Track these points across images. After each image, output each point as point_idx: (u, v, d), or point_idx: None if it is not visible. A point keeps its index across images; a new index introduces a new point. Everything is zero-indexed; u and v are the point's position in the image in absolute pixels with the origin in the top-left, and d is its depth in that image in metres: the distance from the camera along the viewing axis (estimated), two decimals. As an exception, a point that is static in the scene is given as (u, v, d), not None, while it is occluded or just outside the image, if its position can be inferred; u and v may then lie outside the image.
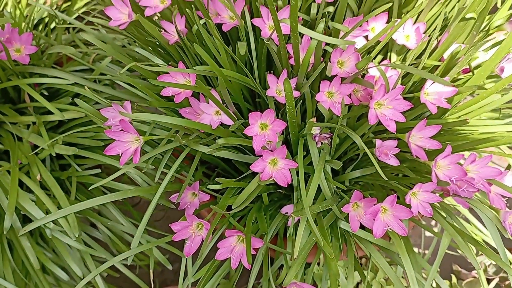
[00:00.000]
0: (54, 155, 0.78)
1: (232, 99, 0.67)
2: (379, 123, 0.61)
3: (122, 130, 0.63)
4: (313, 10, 0.67)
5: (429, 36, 0.68)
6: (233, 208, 0.63)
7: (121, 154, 0.63)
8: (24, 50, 0.80)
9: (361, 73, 0.63)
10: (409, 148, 0.61)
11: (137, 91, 0.77)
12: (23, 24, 0.94)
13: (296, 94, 0.61)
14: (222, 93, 0.61)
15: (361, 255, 0.86)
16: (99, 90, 0.84)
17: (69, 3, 1.04)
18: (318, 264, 0.99)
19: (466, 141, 0.63)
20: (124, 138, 0.63)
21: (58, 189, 0.77)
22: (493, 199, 0.63)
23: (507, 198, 0.63)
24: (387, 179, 0.60)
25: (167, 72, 0.65)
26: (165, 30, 0.69)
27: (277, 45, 0.63)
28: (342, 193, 0.69)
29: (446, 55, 0.66)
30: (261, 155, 0.61)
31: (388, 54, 0.73)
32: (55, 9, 1.01)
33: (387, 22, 0.67)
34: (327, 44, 0.64)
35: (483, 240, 0.87)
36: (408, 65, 0.64)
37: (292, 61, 0.64)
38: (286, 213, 0.71)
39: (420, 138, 0.61)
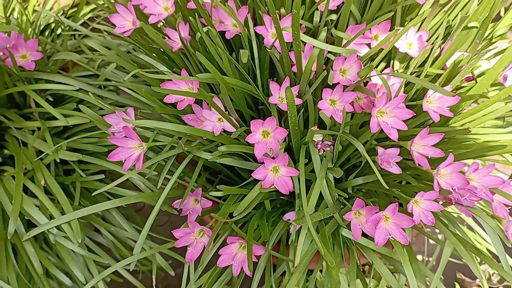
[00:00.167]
0: (58, 161, 0.79)
1: (234, 106, 0.67)
2: (382, 130, 0.61)
3: (125, 136, 0.63)
4: (316, 18, 0.68)
5: (431, 44, 0.68)
6: (234, 215, 0.63)
7: (124, 160, 0.64)
8: (30, 56, 0.81)
9: (364, 81, 0.63)
10: (412, 156, 0.61)
11: (141, 97, 0.78)
12: (30, 30, 0.95)
13: (298, 101, 0.62)
14: (224, 100, 0.61)
15: (363, 262, 0.86)
16: (103, 96, 0.84)
17: (75, 9, 1.05)
18: (321, 271, 0.99)
19: (469, 150, 0.63)
20: (127, 144, 0.64)
21: (62, 194, 0.77)
22: (496, 208, 0.62)
23: (510, 207, 0.63)
24: (388, 187, 0.60)
25: (171, 79, 0.65)
26: (168, 37, 0.70)
27: (279, 53, 0.63)
28: (344, 201, 0.69)
29: (449, 63, 0.66)
30: (263, 162, 0.61)
31: (391, 61, 0.73)
32: (61, 15, 1.02)
33: (390, 30, 0.68)
34: (329, 52, 0.64)
35: (487, 249, 0.86)
36: (411, 73, 0.64)
37: (294, 69, 0.64)
38: (288, 220, 0.71)
39: (422, 146, 0.61)
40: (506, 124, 0.75)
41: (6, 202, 0.77)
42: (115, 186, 0.70)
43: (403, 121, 0.60)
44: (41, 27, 1.01)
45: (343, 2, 0.67)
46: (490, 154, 0.61)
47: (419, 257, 1.15)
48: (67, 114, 0.83)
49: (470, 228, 0.90)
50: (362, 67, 0.61)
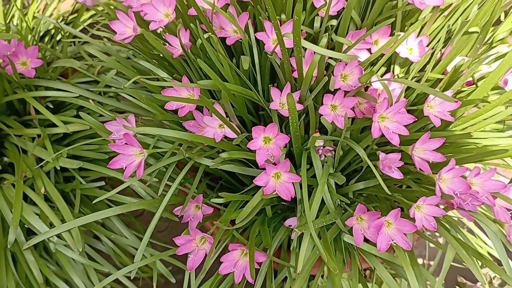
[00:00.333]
0: (59, 168, 0.78)
1: (235, 112, 0.67)
2: (383, 134, 0.61)
3: (126, 143, 0.63)
4: (317, 24, 0.68)
5: (432, 48, 0.68)
6: (236, 222, 0.63)
7: (125, 167, 0.63)
8: (30, 63, 0.81)
9: (364, 86, 0.63)
10: (413, 161, 0.61)
11: (141, 104, 0.78)
12: (29, 36, 0.94)
13: (299, 107, 0.62)
14: (225, 107, 0.61)
15: (365, 267, 0.86)
16: (103, 102, 0.84)
17: (74, 15, 1.05)
18: (322, 276, 0.98)
19: (470, 154, 0.63)
20: (128, 151, 0.64)
21: (62, 202, 0.77)
22: (497, 212, 0.62)
23: (511, 211, 0.63)
24: (390, 193, 0.60)
25: (172, 86, 0.65)
26: (169, 44, 0.69)
27: (280, 59, 0.63)
28: (345, 206, 0.69)
29: (449, 68, 0.66)
30: (265, 168, 0.61)
31: (392, 66, 0.73)
32: (61, 21, 1.02)
33: (390, 35, 0.68)
34: (330, 57, 0.64)
35: (488, 253, 0.86)
36: (411, 77, 0.64)
37: (295, 74, 0.64)
38: (289, 225, 0.71)
39: (423, 151, 0.61)
40: (506, 127, 0.75)
41: (6, 211, 0.76)
42: (116, 193, 0.70)
43: (404, 126, 0.60)
44: (41, 33, 1.01)
45: (343, 8, 0.67)
46: (492, 158, 0.61)
47: (420, 261, 1.15)
48: (67, 121, 0.82)
49: (470, 231, 0.90)
50: (363, 73, 0.61)
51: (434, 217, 0.60)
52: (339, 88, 0.62)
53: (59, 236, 0.78)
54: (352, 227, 0.62)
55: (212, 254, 0.63)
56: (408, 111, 0.61)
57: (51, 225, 0.78)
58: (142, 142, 0.64)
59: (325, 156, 0.67)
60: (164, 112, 0.71)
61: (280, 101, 0.64)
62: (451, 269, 0.70)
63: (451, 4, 0.69)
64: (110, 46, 0.90)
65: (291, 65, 0.63)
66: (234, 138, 0.65)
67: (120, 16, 0.69)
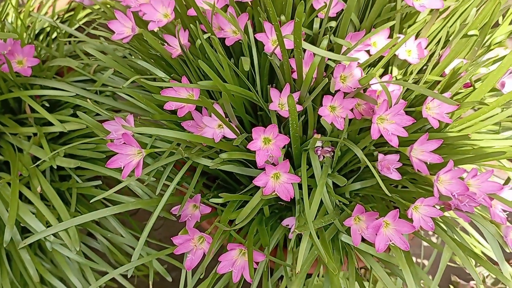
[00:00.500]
0: (56, 167, 0.78)
1: (234, 112, 0.67)
2: (380, 135, 0.61)
3: (124, 143, 0.63)
4: (316, 25, 0.68)
5: (430, 51, 0.68)
6: (236, 223, 0.63)
7: (123, 167, 0.63)
8: (26, 62, 0.80)
9: (363, 88, 0.64)
10: (411, 162, 0.61)
11: (138, 103, 0.77)
12: (25, 34, 0.94)
13: (298, 108, 0.62)
14: (225, 108, 0.61)
15: (360, 265, 0.86)
16: (100, 101, 0.84)
17: (70, 13, 1.04)
18: (318, 275, 0.99)
19: (467, 155, 0.64)
20: (126, 151, 0.63)
21: (58, 201, 0.77)
22: (494, 213, 0.63)
23: (507, 212, 0.64)
24: (390, 194, 0.61)
25: (171, 86, 0.65)
26: (168, 44, 0.69)
27: (280, 60, 0.63)
28: (343, 206, 0.69)
29: (447, 70, 0.66)
30: (263, 168, 0.61)
31: (390, 68, 0.73)
32: (57, 19, 1.01)
33: (389, 37, 0.68)
34: (329, 59, 0.65)
35: (482, 252, 0.87)
36: (411, 79, 0.64)
37: (294, 75, 0.64)
38: (287, 225, 0.71)
39: (421, 152, 0.62)
40: (502, 129, 0.76)
41: (2, 209, 0.76)
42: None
43: (403, 127, 0.61)
44: (36, 31, 1.00)
45: (342, 9, 0.67)
46: (489, 160, 0.62)
47: (414, 260, 1.16)
48: (63, 120, 0.82)
49: (463, 230, 0.91)
50: (363, 75, 0.62)
51: (431, 217, 0.60)
52: (339, 90, 0.63)
53: (55, 235, 0.77)
54: (349, 227, 0.62)
55: (211, 253, 0.63)
56: (406, 113, 0.62)
57: (47, 225, 0.77)
58: (139, 142, 0.64)
59: (324, 156, 0.67)
60: (162, 112, 0.71)
61: (280, 102, 0.64)
62: (445, 268, 0.71)
63: (449, 6, 0.69)
64: (106, 45, 0.89)
65: (290, 66, 0.63)
66: (233, 139, 0.65)
67: (118, 16, 0.69)
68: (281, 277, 0.79)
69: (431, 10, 0.71)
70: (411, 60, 0.67)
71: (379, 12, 0.68)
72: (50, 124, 0.82)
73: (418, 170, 0.61)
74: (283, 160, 0.60)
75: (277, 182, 0.61)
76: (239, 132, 0.65)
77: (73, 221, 0.66)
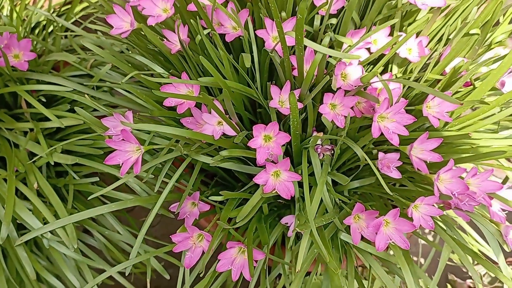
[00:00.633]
0: (53, 163, 0.77)
1: (233, 109, 0.67)
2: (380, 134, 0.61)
3: (123, 139, 0.62)
4: (316, 22, 0.67)
5: (430, 49, 0.68)
6: (237, 221, 0.62)
7: (122, 163, 0.63)
8: (23, 56, 0.79)
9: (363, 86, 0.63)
10: (411, 161, 0.61)
11: (136, 99, 0.77)
12: (20, 28, 0.92)
13: (299, 105, 0.61)
14: (226, 104, 0.60)
15: (357, 264, 0.86)
16: (97, 97, 0.83)
17: (67, 7, 1.03)
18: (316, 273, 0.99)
19: (468, 154, 0.64)
20: (125, 147, 0.63)
21: (55, 197, 0.76)
22: (493, 213, 0.63)
23: (506, 212, 0.64)
24: (392, 193, 0.60)
25: (171, 83, 0.64)
26: (167, 39, 0.69)
27: (280, 57, 0.62)
28: (341, 204, 0.69)
29: (448, 69, 0.66)
30: (263, 166, 0.60)
31: (389, 66, 0.73)
32: (53, 13, 1.00)
33: (389, 34, 0.68)
34: (330, 56, 0.64)
35: (478, 250, 0.87)
36: (413, 78, 0.64)
37: (295, 73, 0.64)
38: (285, 223, 0.71)
39: (421, 151, 0.62)
40: (500, 128, 0.76)
41: (-2, 206, 0.75)
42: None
43: (404, 126, 0.61)
44: (32, 25, 0.99)
45: (342, 6, 0.66)
46: (489, 159, 0.62)
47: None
48: (60, 115, 0.81)
49: (460, 228, 0.91)
50: (364, 72, 0.61)
51: (431, 216, 0.60)
52: (339, 88, 0.62)
53: (52, 232, 0.77)
54: (349, 226, 0.62)
55: (210, 251, 0.63)
56: (406, 111, 0.61)
57: (44, 221, 0.76)
58: (137, 138, 0.64)
59: (323, 155, 0.66)
60: (161, 108, 0.70)
61: (280, 99, 0.64)
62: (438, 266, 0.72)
63: (449, 5, 0.69)
64: (103, 39, 0.88)
65: (291, 63, 0.63)
66: (232, 136, 0.64)
67: (117, 10, 0.68)
68: (279, 275, 0.79)
69: (431, 8, 0.70)
70: (411, 58, 0.67)
71: (379, 10, 0.68)
72: (47, 119, 0.81)
73: (418, 169, 0.61)
74: (285, 158, 0.60)
75: (278, 180, 0.61)
76: (239, 129, 0.64)
77: (71, 218, 0.65)
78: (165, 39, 0.69)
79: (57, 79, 0.82)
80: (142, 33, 0.68)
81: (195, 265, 0.67)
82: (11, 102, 0.88)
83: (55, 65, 0.96)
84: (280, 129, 0.66)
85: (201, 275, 0.69)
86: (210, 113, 0.64)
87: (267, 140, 0.61)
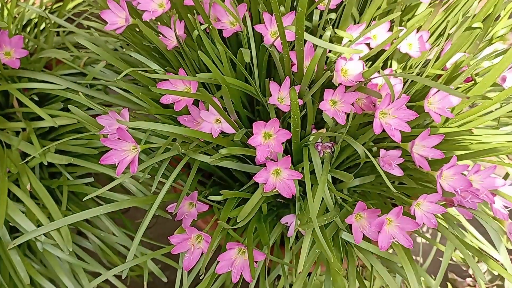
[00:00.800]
0: (46, 164, 0.75)
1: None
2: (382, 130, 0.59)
3: (119, 138, 0.61)
4: (315, 17, 0.66)
5: (430, 44, 0.67)
6: (238, 221, 0.61)
7: (118, 163, 0.61)
8: (14, 53, 0.77)
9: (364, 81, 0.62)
10: (412, 158, 0.60)
11: (130, 97, 0.75)
12: (12, 25, 0.90)
13: (299, 102, 0.60)
14: (225, 101, 0.59)
15: (358, 263, 0.85)
16: (91, 95, 0.81)
17: (59, 3, 1.01)
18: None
19: (469, 151, 0.63)
20: (121, 147, 0.61)
21: (49, 199, 0.74)
22: (496, 210, 0.62)
23: (509, 209, 0.63)
24: (387, 189, 0.59)
25: (167, 79, 0.63)
26: (163, 35, 0.67)
27: (279, 52, 0.61)
28: (342, 202, 0.68)
29: (449, 64, 0.65)
30: (262, 165, 0.59)
31: (389, 61, 0.72)
32: (45, 10, 0.98)
33: (389, 29, 0.67)
34: (329, 51, 0.63)
35: (479, 248, 0.87)
36: (412, 74, 0.63)
37: (294, 68, 0.62)
38: (285, 223, 0.70)
39: (423, 148, 0.61)
40: (500, 124, 0.75)
41: (-11, 208, 0.73)
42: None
43: (406, 122, 0.60)
44: (23, 22, 0.97)
45: (341, 1, 0.65)
46: (491, 155, 0.61)
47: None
48: (53, 114, 0.79)
49: (460, 226, 0.90)
50: (365, 68, 0.60)
51: (433, 214, 0.59)
52: (340, 83, 0.61)
53: (46, 235, 0.75)
54: (350, 224, 0.61)
55: (210, 253, 0.61)
56: (407, 107, 0.60)
57: (38, 224, 0.75)
58: (133, 137, 0.62)
59: (324, 152, 0.65)
60: (157, 106, 0.68)
61: (279, 95, 0.63)
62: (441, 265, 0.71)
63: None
64: (97, 36, 0.86)
65: (290, 59, 0.61)
66: (231, 134, 0.63)
67: (111, 6, 0.66)
68: (278, 276, 0.77)
69: (431, 3, 0.69)
70: (412, 53, 0.66)
71: (379, 5, 0.66)
72: (39, 118, 0.79)
73: (419, 166, 0.60)
74: (286, 156, 0.59)
75: (278, 178, 0.60)
76: (238, 127, 0.63)
77: (66, 220, 0.63)
78: (161, 35, 0.67)
79: (50, 77, 0.80)
80: (138, 29, 0.66)
81: (193, 267, 0.65)
82: (3, 101, 0.86)
83: (47, 63, 0.94)
84: (279, 127, 0.65)
85: (201, 277, 0.67)
86: (208, 110, 0.63)
87: (267, 138, 0.59)
